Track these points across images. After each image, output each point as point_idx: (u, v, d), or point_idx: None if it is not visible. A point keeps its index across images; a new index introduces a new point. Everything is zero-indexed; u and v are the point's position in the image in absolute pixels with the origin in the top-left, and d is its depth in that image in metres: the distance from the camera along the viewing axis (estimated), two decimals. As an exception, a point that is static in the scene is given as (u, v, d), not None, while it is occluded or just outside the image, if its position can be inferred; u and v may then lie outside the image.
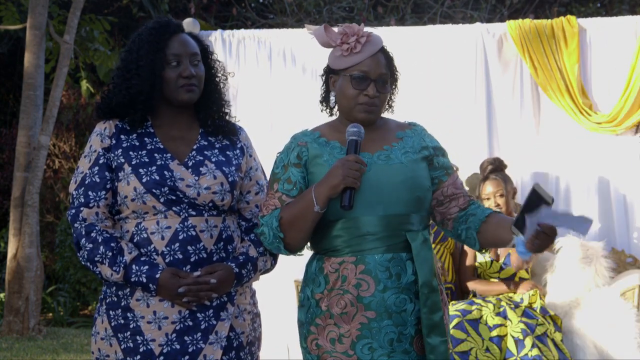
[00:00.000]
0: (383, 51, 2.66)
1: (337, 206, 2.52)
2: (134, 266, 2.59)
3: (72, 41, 7.52)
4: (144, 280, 2.58)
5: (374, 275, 2.53)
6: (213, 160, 2.72)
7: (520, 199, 5.55)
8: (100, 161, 2.68)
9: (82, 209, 2.65)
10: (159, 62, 2.67)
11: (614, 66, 5.47)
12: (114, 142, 2.70)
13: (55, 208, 9.27)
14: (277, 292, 5.32)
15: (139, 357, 2.60)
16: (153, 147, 2.70)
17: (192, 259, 2.63)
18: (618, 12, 10.31)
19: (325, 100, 2.75)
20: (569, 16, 5.55)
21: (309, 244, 2.66)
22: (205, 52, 2.80)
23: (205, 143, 2.76)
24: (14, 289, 7.21)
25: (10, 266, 7.25)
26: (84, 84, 9.35)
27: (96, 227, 2.64)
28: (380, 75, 2.62)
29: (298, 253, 2.66)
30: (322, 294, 2.58)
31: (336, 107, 2.72)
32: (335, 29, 2.68)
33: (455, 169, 2.75)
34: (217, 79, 2.82)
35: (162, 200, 2.62)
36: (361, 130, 2.56)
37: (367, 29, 2.68)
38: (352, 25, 2.65)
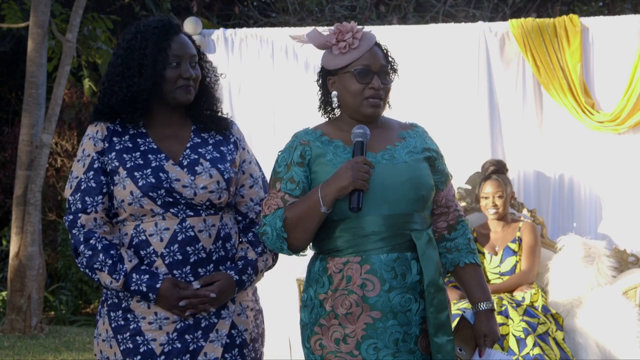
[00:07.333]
0: (378, 46, 2.67)
1: (342, 206, 2.52)
2: (134, 275, 2.59)
3: (75, 40, 7.51)
4: (144, 289, 2.58)
5: (379, 275, 2.52)
6: (208, 157, 2.71)
7: (522, 197, 5.54)
8: (95, 165, 2.66)
9: (80, 215, 2.63)
10: (162, 62, 2.66)
11: (617, 65, 5.46)
12: (106, 145, 2.68)
13: (58, 206, 9.27)
14: (279, 290, 5.32)
15: (139, 357, 2.60)
16: (146, 147, 2.68)
17: (191, 260, 2.63)
18: (620, 11, 10.28)
19: (325, 103, 2.73)
20: (571, 15, 5.55)
21: (311, 244, 2.64)
22: (200, 54, 2.80)
23: (199, 140, 2.74)
24: (16, 287, 7.21)
25: (13, 264, 7.24)
26: (87, 83, 9.34)
27: (95, 234, 2.63)
28: (381, 67, 2.63)
29: (301, 253, 2.63)
30: (326, 294, 2.57)
31: (337, 107, 2.70)
32: (325, 31, 2.68)
33: (450, 177, 2.74)
34: (209, 79, 2.81)
35: (159, 202, 2.62)
36: (367, 132, 2.55)
37: (368, 28, 2.68)
38: (344, 24, 2.65)
